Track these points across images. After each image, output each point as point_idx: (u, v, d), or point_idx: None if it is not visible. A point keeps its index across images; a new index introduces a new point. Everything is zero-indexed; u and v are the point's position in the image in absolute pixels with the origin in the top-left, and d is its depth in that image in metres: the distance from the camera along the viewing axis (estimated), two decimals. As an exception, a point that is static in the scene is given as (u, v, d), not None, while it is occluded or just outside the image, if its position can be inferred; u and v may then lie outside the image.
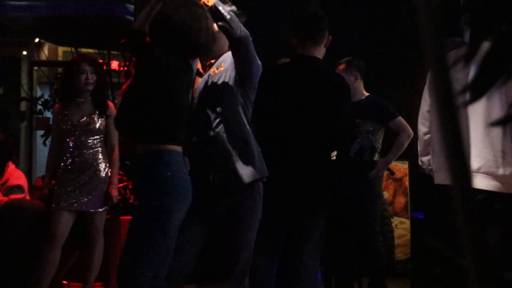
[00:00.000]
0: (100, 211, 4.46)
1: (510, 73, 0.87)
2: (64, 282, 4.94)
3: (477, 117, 2.77)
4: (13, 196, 4.98)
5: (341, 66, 4.92)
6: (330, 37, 3.58)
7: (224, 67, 3.11)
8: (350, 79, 4.86)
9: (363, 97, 4.94)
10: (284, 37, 6.86)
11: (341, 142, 3.67)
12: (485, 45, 0.87)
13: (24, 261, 4.79)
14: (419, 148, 3.75)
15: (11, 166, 5.16)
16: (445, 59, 0.81)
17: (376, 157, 4.84)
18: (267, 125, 3.55)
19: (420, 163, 3.76)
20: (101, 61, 6.07)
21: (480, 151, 2.76)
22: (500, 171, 2.74)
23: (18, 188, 5.06)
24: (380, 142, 4.90)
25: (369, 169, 4.80)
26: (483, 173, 2.74)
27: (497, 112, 2.71)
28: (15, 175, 5.14)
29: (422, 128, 3.51)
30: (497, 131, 2.71)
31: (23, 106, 7.98)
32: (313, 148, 3.46)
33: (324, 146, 3.50)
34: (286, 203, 3.46)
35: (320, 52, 3.57)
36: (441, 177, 3.09)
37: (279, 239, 3.51)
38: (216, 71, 3.12)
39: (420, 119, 3.64)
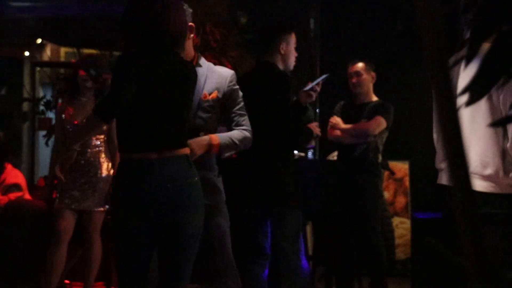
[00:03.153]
0: (100, 210, 4.47)
1: (510, 74, 0.88)
2: (66, 281, 4.95)
3: (464, 117, 2.75)
4: (11, 195, 5.01)
5: (361, 65, 4.94)
6: (285, 44, 3.95)
7: (216, 96, 3.10)
8: (367, 79, 4.91)
9: (373, 99, 4.96)
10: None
11: (293, 139, 3.92)
12: (485, 46, 0.87)
13: (27, 261, 4.79)
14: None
15: (8, 166, 5.19)
16: (445, 60, 0.81)
17: (380, 158, 4.86)
18: None
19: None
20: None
21: (468, 151, 2.75)
22: (487, 172, 2.74)
23: (16, 187, 5.09)
24: (383, 143, 4.91)
25: (372, 169, 4.81)
26: (472, 173, 2.72)
27: (485, 112, 2.70)
28: (12, 174, 5.17)
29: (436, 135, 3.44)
30: (484, 131, 2.70)
31: (25, 106, 7.99)
32: (272, 149, 3.73)
33: (282, 145, 3.78)
34: (253, 204, 3.73)
35: (278, 59, 3.95)
36: (444, 178, 3.08)
37: (256, 238, 3.74)
38: (208, 97, 3.08)
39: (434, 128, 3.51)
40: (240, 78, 4.02)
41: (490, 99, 2.67)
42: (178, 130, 2.69)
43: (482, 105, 2.68)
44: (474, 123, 2.70)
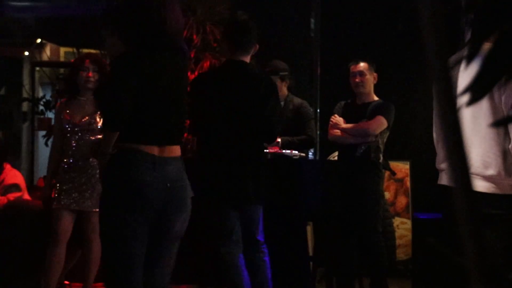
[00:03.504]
0: (98, 211, 4.46)
1: (511, 73, 0.87)
2: (66, 282, 4.95)
3: (465, 117, 2.74)
4: (10, 195, 5.01)
5: (365, 65, 4.94)
6: (257, 46, 3.92)
7: None
8: (370, 79, 4.92)
9: (374, 99, 4.96)
10: (284, 37, 6.86)
11: (269, 135, 3.96)
12: (486, 46, 0.87)
13: (26, 261, 4.79)
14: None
15: (7, 166, 5.19)
16: (446, 60, 0.81)
17: (381, 158, 4.85)
18: (204, 127, 3.87)
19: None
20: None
21: (469, 152, 2.72)
22: (490, 172, 2.72)
23: (15, 187, 5.09)
24: (384, 143, 4.90)
25: (373, 169, 4.80)
26: (473, 174, 2.70)
27: (486, 113, 2.69)
28: (11, 175, 5.17)
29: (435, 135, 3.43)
30: (486, 131, 2.69)
31: (25, 106, 7.99)
32: (247, 145, 3.79)
33: (257, 141, 3.86)
34: (226, 199, 3.78)
35: (249, 59, 3.91)
36: (444, 178, 3.07)
37: (231, 228, 3.79)
38: None
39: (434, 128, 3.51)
40: (213, 75, 4.07)
41: (492, 99, 2.66)
42: (179, 126, 2.77)
43: (484, 106, 2.67)
44: (476, 123, 2.69)
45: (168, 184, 2.64)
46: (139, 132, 2.66)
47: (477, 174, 2.70)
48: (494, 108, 2.67)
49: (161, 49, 2.70)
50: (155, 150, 2.64)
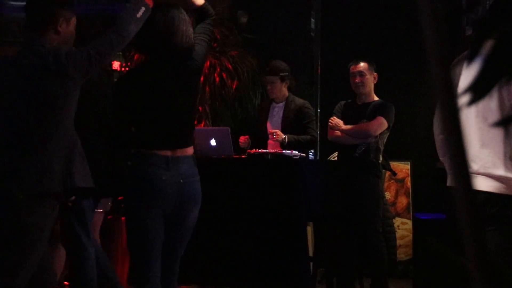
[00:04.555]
0: (99, 211, 4.45)
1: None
2: (66, 283, 4.94)
3: (473, 117, 2.74)
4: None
5: (365, 65, 4.93)
6: None
7: None
8: (370, 79, 4.91)
9: (374, 99, 4.96)
10: (284, 37, 6.85)
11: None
12: (488, 45, 0.86)
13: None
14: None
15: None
16: (447, 59, 0.80)
17: (380, 159, 4.85)
18: None
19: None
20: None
21: (479, 152, 2.72)
22: (499, 172, 2.71)
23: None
24: (384, 143, 4.90)
25: (372, 169, 4.80)
26: (482, 174, 2.70)
27: (494, 112, 2.68)
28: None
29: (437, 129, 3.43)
30: (495, 131, 2.68)
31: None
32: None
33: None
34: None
35: None
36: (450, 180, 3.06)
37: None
38: None
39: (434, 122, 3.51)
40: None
41: (501, 99, 2.65)
42: (188, 130, 3.04)
43: (493, 105, 2.66)
44: (485, 123, 2.68)
45: (181, 180, 2.92)
46: (150, 140, 2.96)
47: (487, 174, 2.68)
48: (503, 107, 2.65)
49: (169, 59, 2.96)
50: (168, 153, 2.93)
